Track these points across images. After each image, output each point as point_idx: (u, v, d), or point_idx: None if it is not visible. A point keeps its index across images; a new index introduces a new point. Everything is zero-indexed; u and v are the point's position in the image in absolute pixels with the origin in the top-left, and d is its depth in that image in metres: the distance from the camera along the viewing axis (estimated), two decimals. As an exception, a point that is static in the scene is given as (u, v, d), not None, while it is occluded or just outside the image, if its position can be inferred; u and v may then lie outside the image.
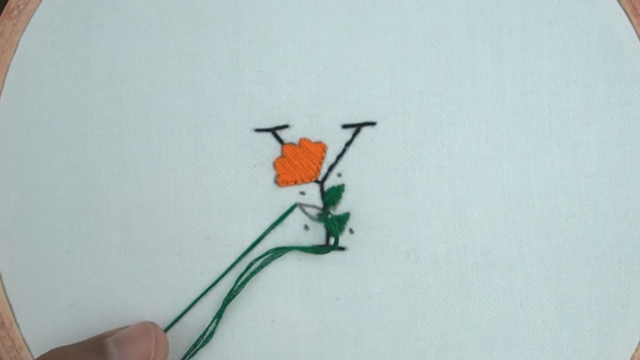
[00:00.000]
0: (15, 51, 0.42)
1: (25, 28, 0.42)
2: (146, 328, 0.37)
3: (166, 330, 0.40)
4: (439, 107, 0.41)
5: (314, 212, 0.41)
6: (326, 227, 0.40)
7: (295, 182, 0.41)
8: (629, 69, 0.41)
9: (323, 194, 0.41)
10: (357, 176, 0.41)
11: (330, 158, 0.41)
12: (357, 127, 0.41)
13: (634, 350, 0.40)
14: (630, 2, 0.41)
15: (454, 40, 0.41)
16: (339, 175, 0.41)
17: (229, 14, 0.41)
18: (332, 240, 0.40)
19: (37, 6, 0.42)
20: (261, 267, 0.40)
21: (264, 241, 0.40)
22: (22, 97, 0.41)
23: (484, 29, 0.41)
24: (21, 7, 0.42)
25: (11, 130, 0.41)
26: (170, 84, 0.41)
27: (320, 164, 0.41)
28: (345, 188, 0.41)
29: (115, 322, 0.40)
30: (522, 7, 0.41)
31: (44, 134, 0.41)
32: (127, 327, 0.38)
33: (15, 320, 0.41)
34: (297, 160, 0.41)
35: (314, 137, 0.41)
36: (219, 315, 0.40)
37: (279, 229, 0.41)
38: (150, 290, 0.41)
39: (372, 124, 0.41)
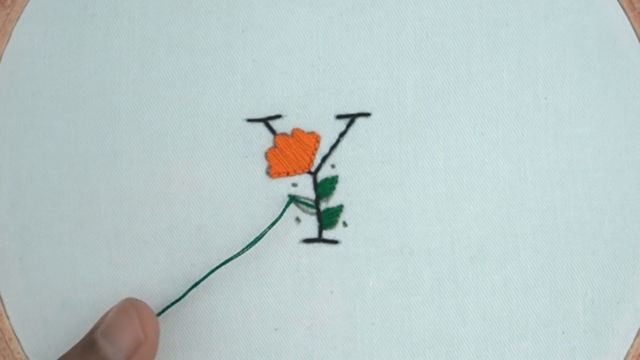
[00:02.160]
0: (8, 41, 0.42)
1: (18, 18, 0.42)
2: (125, 310, 0.37)
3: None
4: (434, 99, 0.41)
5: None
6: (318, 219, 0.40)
7: (288, 174, 0.40)
8: (624, 63, 0.41)
9: (316, 185, 0.40)
10: (351, 168, 0.40)
11: (323, 149, 0.41)
12: (352, 118, 0.41)
13: (629, 346, 0.40)
14: (627, -4, 0.41)
15: (450, 33, 0.41)
16: (333, 166, 0.40)
17: (222, 3, 0.41)
18: (325, 233, 0.40)
19: (31, -4, 0.42)
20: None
21: (254, 236, 0.40)
22: (14, 87, 0.41)
23: (480, 22, 0.41)
24: (14, -4, 0.42)
25: (3, 120, 0.41)
26: (163, 74, 0.41)
27: (314, 154, 0.40)
28: (339, 180, 0.40)
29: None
30: (517, 0, 0.41)
31: (36, 123, 0.41)
32: (111, 310, 0.38)
33: (5, 312, 0.41)
34: (290, 150, 0.40)
35: (307, 128, 0.41)
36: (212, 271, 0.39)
37: (269, 221, 0.40)
38: (140, 281, 0.40)
39: (367, 114, 0.41)
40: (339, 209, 0.40)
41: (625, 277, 0.40)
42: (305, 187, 0.40)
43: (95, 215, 0.40)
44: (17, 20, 0.42)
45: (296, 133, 0.40)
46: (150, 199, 0.40)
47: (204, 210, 0.40)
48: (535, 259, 0.40)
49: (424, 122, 0.41)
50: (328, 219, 0.40)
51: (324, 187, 0.40)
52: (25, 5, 0.42)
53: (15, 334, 0.40)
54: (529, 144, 0.40)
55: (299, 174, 0.40)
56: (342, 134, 0.40)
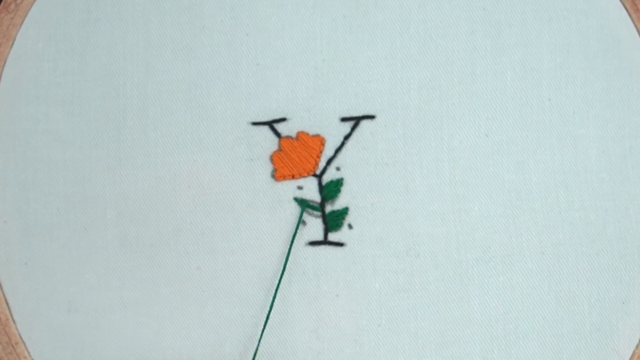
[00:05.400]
0: (12, 45, 0.42)
1: (22, 22, 0.42)
2: None
3: None
4: (438, 101, 0.41)
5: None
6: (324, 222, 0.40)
7: (293, 177, 0.40)
8: (628, 65, 0.41)
9: (321, 188, 0.40)
10: (356, 170, 0.40)
11: (328, 152, 0.41)
12: (356, 121, 0.41)
13: (634, 347, 0.40)
14: (631, -3, 0.41)
15: (454, 34, 0.41)
16: (338, 169, 0.40)
17: (226, 7, 0.41)
18: (330, 236, 0.40)
19: (35, 0, 0.42)
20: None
21: (260, 239, 0.40)
22: (19, 91, 0.41)
23: (483, 24, 0.41)
24: (18, 0, 0.42)
25: (8, 125, 0.41)
26: (167, 78, 0.41)
27: (319, 157, 0.40)
28: (344, 182, 0.40)
29: (111, 318, 0.40)
30: (521, 2, 0.41)
31: (41, 128, 0.41)
32: None
33: (12, 316, 0.41)
34: (295, 153, 0.40)
35: (312, 131, 0.41)
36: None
37: (274, 224, 0.40)
38: (146, 285, 0.40)
39: (371, 117, 0.41)
40: (344, 211, 0.40)
41: (631, 278, 0.40)
42: (310, 190, 0.40)
43: (101, 219, 0.40)
44: (21, 25, 0.42)
45: (301, 136, 0.41)
46: (156, 203, 0.40)
47: (210, 214, 0.40)
48: (541, 260, 0.40)
49: (429, 123, 0.41)
50: (333, 221, 0.40)
51: (329, 190, 0.40)
52: (29, 9, 0.42)
53: (21, 338, 0.40)
54: (533, 145, 0.41)
55: (304, 176, 0.41)
56: (346, 137, 0.41)
